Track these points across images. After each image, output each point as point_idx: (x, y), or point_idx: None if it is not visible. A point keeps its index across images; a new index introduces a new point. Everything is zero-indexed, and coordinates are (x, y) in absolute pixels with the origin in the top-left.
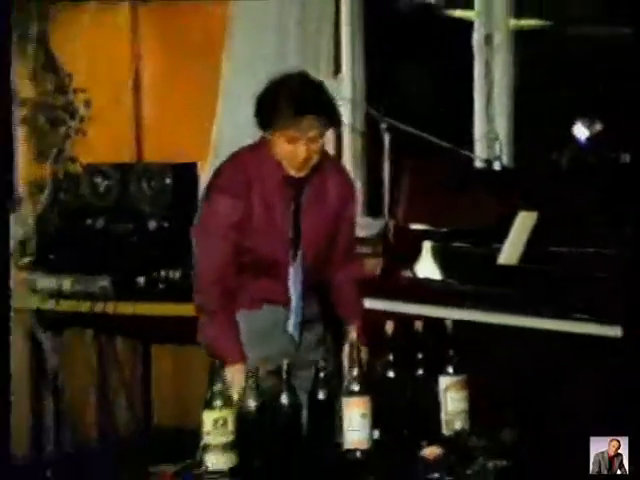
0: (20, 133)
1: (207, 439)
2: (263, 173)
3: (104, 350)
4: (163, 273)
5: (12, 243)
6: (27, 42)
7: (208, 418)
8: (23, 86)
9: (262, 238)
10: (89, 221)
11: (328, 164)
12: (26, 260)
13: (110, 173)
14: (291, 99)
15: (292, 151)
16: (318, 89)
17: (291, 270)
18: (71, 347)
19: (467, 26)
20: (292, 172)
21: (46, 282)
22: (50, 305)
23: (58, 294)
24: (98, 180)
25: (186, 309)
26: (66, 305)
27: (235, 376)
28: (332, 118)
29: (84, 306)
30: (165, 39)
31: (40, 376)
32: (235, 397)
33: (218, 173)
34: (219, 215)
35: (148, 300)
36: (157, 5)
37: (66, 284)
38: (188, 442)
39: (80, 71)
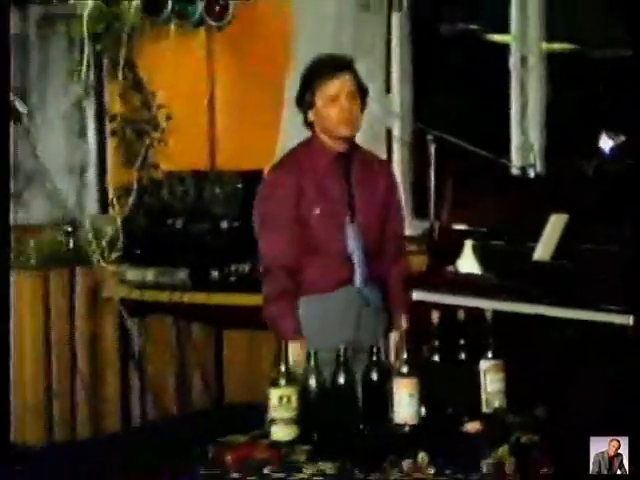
0: (110, 144)
1: (273, 414)
2: (314, 158)
3: (182, 334)
4: (234, 267)
5: (103, 241)
6: (117, 66)
7: (274, 395)
8: (114, 103)
9: (320, 219)
10: (169, 221)
11: (373, 157)
12: (115, 255)
13: (187, 179)
14: (328, 60)
15: (337, 109)
16: (349, 60)
17: (350, 235)
18: (153, 331)
19: (504, 49)
20: (342, 132)
21: (132, 274)
22: (135, 295)
23: (142, 285)
24: (177, 185)
25: (254, 299)
26: (149, 294)
27: (294, 352)
28: (361, 84)
29: (165, 295)
30: (235, 59)
31: (127, 357)
32: (298, 374)
33: (274, 166)
34: (276, 200)
35: (221, 291)
36: (228, 29)
37: (149, 276)
38: (257, 417)
39: (162, 89)
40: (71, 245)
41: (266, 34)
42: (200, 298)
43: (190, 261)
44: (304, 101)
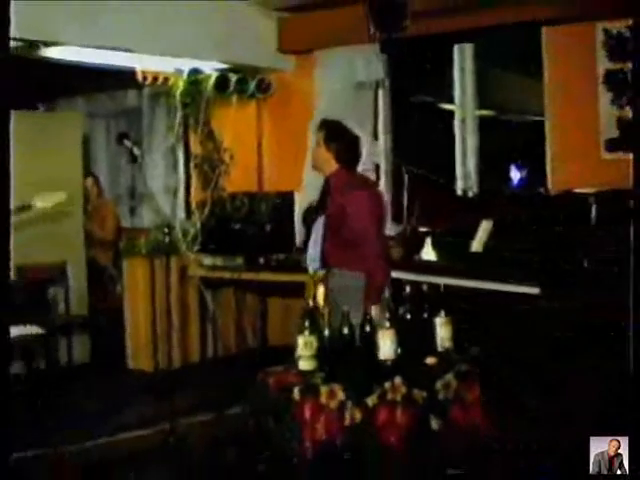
0: (193, 174)
1: (299, 352)
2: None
3: (239, 300)
4: (273, 255)
5: (188, 238)
6: (198, 123)
7: (300, 340)
8: (195, 147)
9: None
10: (231, 225)
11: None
12: (196, 247)
13: (243, 198)
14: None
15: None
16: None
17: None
18: (221, 298)
19: (451, 113)
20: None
21: (207, 260)
22: (209, 274)
23: (214, 267)
24: (236, 202)
25: (287, 277)
26: (218, 274)
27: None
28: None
29: (228, 274)
30: (275, 117)
31: (204, 315)
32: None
33: None
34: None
35: (265, 271)
36: (271, 98)
37: (218, 261)
38: (289, 354)
39: (227, 138)
40: (167, 240)
41: (295, 100)
42: (251, 276)
43: (245, 251)
44: None
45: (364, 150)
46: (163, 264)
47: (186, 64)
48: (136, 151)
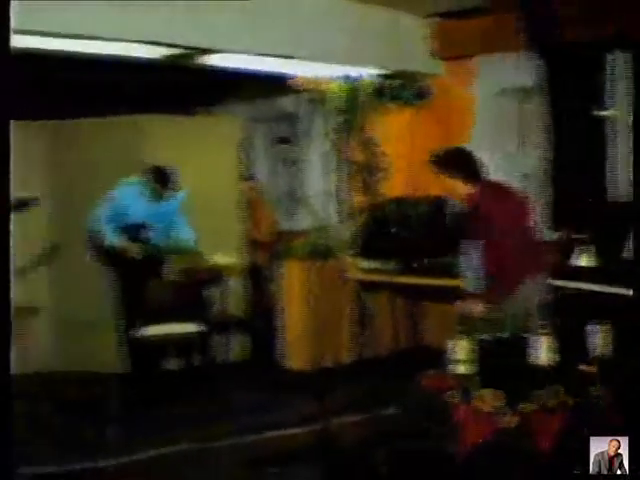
0: (350, 178)
1: (456, 356)
2: None
3: (394, 303)
4: (426, 260)
5: (345, 242)
6: (354, 129)
7: (458, 345)
8: (352, 152)
9: None
10: (387, 229)
11: None
12: (352, 251)
13: (398, 202)
14: None
15: None
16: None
17: None
18: (376, 301)
19: (603, 119)
20: None
21: (363, 263)
22: (365, 277)
23: (369, 270)
24: (392, 206)
25: (442, 281)
26: (373, 277)
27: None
28: None
29: (383, 277)
30: (432, 123)
31: (358, 318)
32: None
33: None
34: None
35: (419, 275)
36: (426, 105)
37: (374, 265)
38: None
39: (383, 144)
40: (324, 244)
41: (450, 107)
42: (405, 279)
43: (399, 255)
44: None
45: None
46: (320, 266)
47: (343, 70)
48: (294, 155)
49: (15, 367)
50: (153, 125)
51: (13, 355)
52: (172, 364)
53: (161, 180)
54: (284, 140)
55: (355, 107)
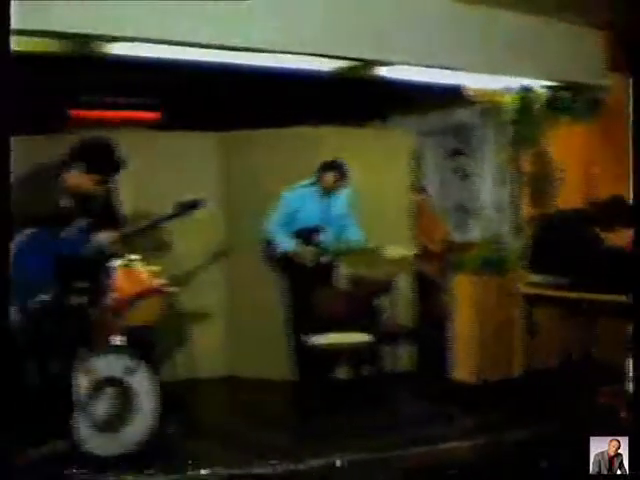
0: (523, 191)
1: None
2: None
3: (565, 318)
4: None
5: (515, 254)
6: (527, 141)
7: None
8: (525, 164)
9: None
10: (559, 243)
11: None
12: (524, 264)
13: (571, 215)
14: None
15: None
16: None
17: None
18: (547, 316)
19: None
20: None
21: (535, 277)
22: (536, 291)
23: (540, 284)
24: (564, 219)
25: (614, 297)
26: (544, 291)
27: None
28: None
29: (554, 292)
30: (606, 136)
31: (528, 332)
32: None
33: None
34: None
35: (591, 291)
36: (600, 117)
37: (545, 279)
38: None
39: (557, 156)
40: (497, 256)
41: (625, 120)
42: (574, 295)
43: (572, 270)
44: None
45: None
46: (491, 279)
47: (516, 82)
48: (468, 167)
49: (185, 372)
50: (326, 136)
51: (181, 359)
52: (341, 373)
53: (332, 170)
54: (457, 152)
55: (528, 119)
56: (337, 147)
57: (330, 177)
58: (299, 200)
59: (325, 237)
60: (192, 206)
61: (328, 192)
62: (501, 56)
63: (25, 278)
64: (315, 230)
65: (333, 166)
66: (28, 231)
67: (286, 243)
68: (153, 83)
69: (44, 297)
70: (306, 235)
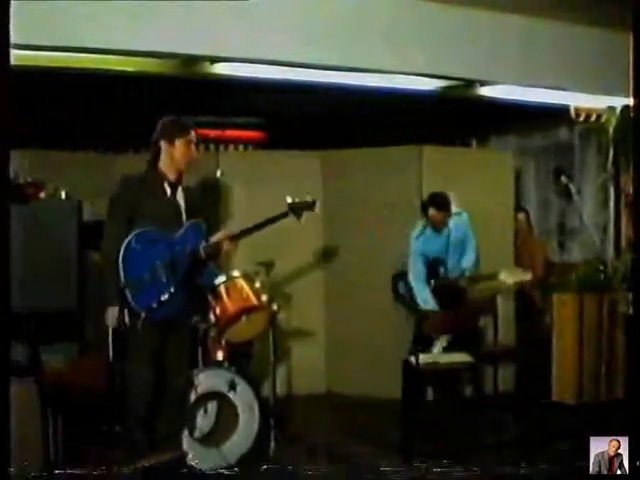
0: (624, 211)
1: None
2: None
3: None
4: None
5: (618, 275)
6: (629, 160)
7: None
8: (627, 184)
9: None
10: None
11: None
12: (625, 285)
13: None
14: None
15: None
16: None
17: None
18: None
19: None
20: None
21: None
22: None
23: None
24: None
25: None
26: None
27: None
28: None
29: None
30: None
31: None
32: None
33: None
34: None
35: None
36: None
37: None
38: None
39: None
40: (599, 277)
41: None
42: None
43: None
44: None
45: None
46: (593, 300)
47: (619, 101)
48: (572, 187)
49: (284, 388)
50: (428, 155)
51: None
52: (440, 393)
53: (441, 205)
54: (560, 171)
55: (630, 138)
56: (439, 166)
57: (435, 214)
58: (419, 243)
59: (447, 267)
60: (304, 207)
61: (440, 227)
62: (605, 76)
63: (138, 278)
64: (439, 263)
65: (436, 201)
66: (138, 230)
67: (425, 301)
68: (259, 103)
69: (164, 297)
70: (433, 271)
